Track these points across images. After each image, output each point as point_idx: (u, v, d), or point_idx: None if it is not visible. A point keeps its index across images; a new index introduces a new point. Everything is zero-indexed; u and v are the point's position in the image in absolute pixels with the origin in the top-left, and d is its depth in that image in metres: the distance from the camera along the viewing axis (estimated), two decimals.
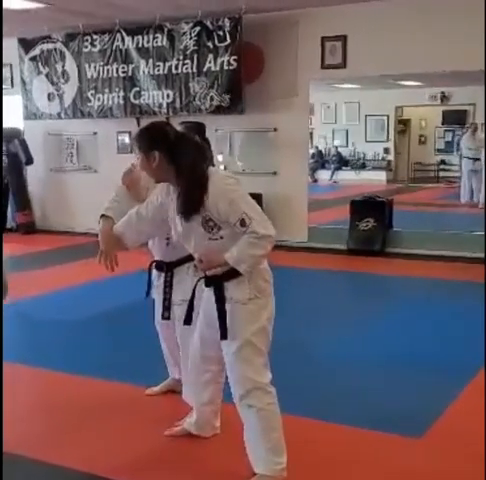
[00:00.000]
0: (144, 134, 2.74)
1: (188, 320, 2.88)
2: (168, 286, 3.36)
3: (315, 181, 17.09)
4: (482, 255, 7.47)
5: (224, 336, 2.67)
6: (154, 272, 3.49)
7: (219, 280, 2.66)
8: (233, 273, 2.61)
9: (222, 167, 8.86)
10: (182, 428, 3.20)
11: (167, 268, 3.37)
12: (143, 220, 2.87)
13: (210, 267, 2.67)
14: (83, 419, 3.50)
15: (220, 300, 2.67)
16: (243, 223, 2.55)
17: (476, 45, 7.03)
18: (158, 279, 3.46)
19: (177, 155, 2.62)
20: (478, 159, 12.67)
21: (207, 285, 2.74)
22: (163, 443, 3.18)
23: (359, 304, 6.08)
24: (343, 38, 7.88)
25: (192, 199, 2.59)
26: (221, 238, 2.62)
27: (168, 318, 3.40)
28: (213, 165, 9.35)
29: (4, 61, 9.37)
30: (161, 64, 8.65)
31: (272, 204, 8.48)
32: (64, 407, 3.65)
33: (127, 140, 9.39)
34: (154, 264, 3.47)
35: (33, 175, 10.23)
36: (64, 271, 7.38)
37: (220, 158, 8.87)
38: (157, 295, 3.49)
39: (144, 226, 2.89)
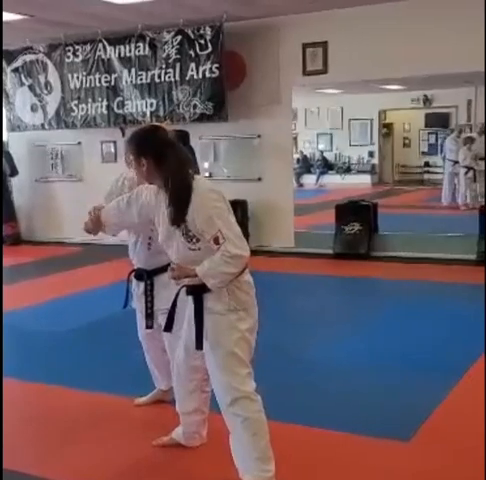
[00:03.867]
0: (133, 140, 2.78)
1: (168, 327, 2.89)
2: (149, 295, 3.36)
3: (301, 186, 17.18)
4: (468, 257, 7.53)
5: (199, 346, 2.69)
6: (134, 282, 3.48)
7: (199, 291, 2.68)
8: None
9: (207, 174, 8.89)
10: (170, 438, 3.20)
11: (147, 276, 3.36)
12: (129, 212, 2.93)
13: (180, 277, 2.70)
14: (70, 431, 3.48)
15: (198, 310, 2.68)
16: (217, 241, 2.56)
17: (457, 48, 7.11)
18: (138, 288, 3.46)
19: (163, 163, 2.66)
20: (458, 162, 12.82)
21: (188, 294, 2.76)
22: (151, 453, 3.17)
23: (346, 308, 6.11)
24: (324, 44, 7.93)
25: (180, 209, 2.62)
26: (199, 249, 2.64)
27: (151, 327, 3.40)
28: (198, 173, 9.34)
29: None
30: (144, 73, 8.67)
31: (257, 210, 8.53)
32: (50, 419, 3.64)
33: (112, 149, 9.40)
34: (134, 274, 3.47)
35: (18, 186, 10.20)
36: (49, 282, 7.36)
37: (205, 165, 8.89)
38: (138, 305, 3.49)
39: (129, 217, 2.95)
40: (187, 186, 2.62)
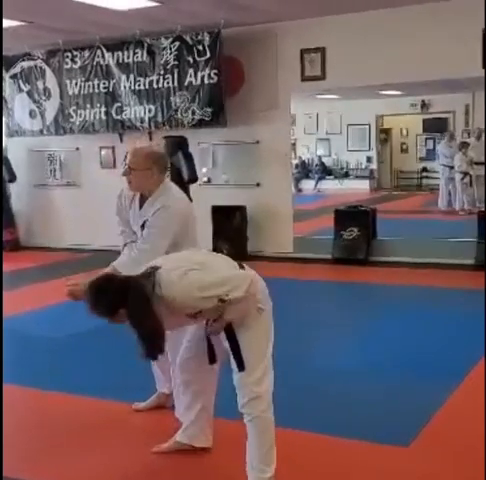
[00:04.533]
0: (104, 299, 2.76)
1: (212, 359, 2.91)
2: None
3: (300, 191, 17.17)
4: (467, 261, 7.54)
5: (242, 367, 2.72)
6: None
7: None
8: None
9: (205, 180, 8.90)
10: (170, 444, 3.18)
11: None
12: None
13: (220, 331, 2.75)
14: (69, 437, 3.47)
15: (231, 336, 2.72)
16: (222, 301, 2.60)
17: (455, 54, 7.14)
18: None
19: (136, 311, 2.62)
20: (453, 167, 12.87)
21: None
22: (151, 460, 3.16)
23: (345, 313, 6.11)
24: (322, 50, 7.95)
25: (155, 345, 2.63)
26: (205, 313, 2.69)
27: None
28: (196, 179, 9.25)
29: None
30: (142, 79, 8.69)
31: (256, 215, 8.54)
32: (49, 426, 3.63)
33: (110, 155, 9.42)
34: None
35: (17, 192, 10.21)
36: (50, 288, 7.34)
37: (204, 171, 8.90)
38: None
39: None
40: (156, 321, 2.56)
